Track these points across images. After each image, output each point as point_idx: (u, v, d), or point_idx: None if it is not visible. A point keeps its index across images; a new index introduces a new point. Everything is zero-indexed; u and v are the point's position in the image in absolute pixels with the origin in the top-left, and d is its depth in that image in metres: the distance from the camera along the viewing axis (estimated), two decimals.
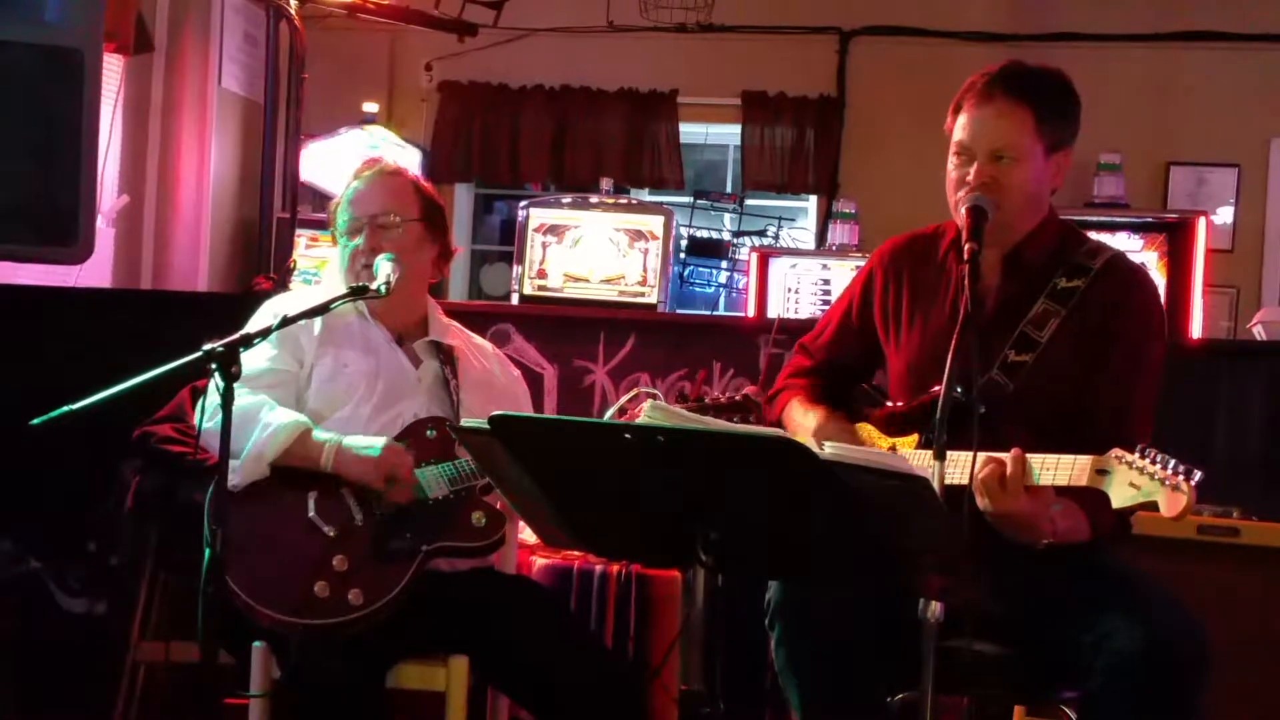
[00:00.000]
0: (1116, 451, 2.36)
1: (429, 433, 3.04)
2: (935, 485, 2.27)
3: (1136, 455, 2.33)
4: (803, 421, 2.89)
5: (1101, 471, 2.38)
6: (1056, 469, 2.44)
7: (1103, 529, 2.55)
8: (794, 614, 2.66)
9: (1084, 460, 2.40)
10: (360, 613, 2.80)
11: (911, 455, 2.69)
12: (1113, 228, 5.35)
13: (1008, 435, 2.53)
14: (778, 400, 3.02)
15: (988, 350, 2.67)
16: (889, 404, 2.86)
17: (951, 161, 2.77)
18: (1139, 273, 2.86)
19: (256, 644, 2.87)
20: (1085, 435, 2.51)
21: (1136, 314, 2.73)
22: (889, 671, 2.66)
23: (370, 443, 2.93)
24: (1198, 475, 2.26)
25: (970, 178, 2.71)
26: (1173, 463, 2.29)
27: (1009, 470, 2.44)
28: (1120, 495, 2.35)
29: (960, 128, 2.76)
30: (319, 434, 2.94)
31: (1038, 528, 2.48)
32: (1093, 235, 2.95)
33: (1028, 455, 2.45)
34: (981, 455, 2.45)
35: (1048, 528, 2.49)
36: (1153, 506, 2.30)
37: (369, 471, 2.90)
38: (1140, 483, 2.31)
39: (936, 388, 2.46)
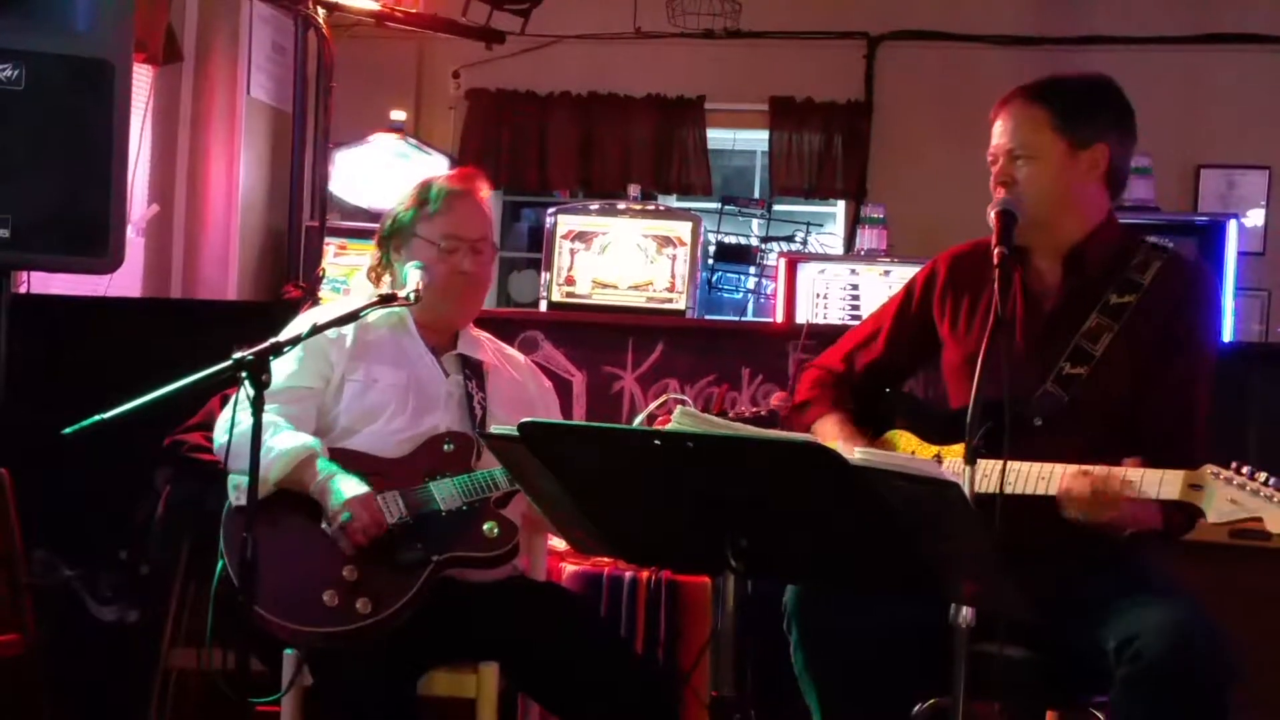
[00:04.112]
0: (1211, 467, 2.38)
1: (446, 446, 3.06)
2: (966, 490, 2.27)
3: (1233, 471, 2.34)
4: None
5: (1195, 486, 2.39)
6: (1142, 482, 2.45)
7: (1173, 522, 2.56)
8: (811, 617, 2.68)
9: (1174, 475, 2.41)
10: (367, 621, 2.81)
11: (952, 464, 2.68)
12: (1143, 231, 5.30)
13: (1065, 445, 2.56)
14: (809, 411, 3.00)
15: (1043, 360, 2.72)
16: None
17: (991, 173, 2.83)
18: (1190, 278, 2.82)
19: (288, 651, 2.89)
20: (1144, 443, 2.55)
21: (1191, 321, 2.75)
22: (910, 675, 2.66)
23: (344, 489, 2.90)
24: None
25: (993, 181, 2.78)
26: (1274, 479, 2.30)
27: (1103, 486, 2.44)
28: (1218, 510, 2.36)
29: (991, 139, 2.83)
30: (320, 464, 2.95)
31: (1125, 524, 2.51)
32: None
33: (1119, 469, 2.46)
34: (1072, 468, 2.46)
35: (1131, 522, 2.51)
36: (1254, 522, 2.32)
37: (331, 512, 2.90)
38: (1241, 499, 2.33)
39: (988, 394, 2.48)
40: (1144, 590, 2.57)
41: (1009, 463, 2.47)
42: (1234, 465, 2.35)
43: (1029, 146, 2.74)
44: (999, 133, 2.80)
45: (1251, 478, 2.33)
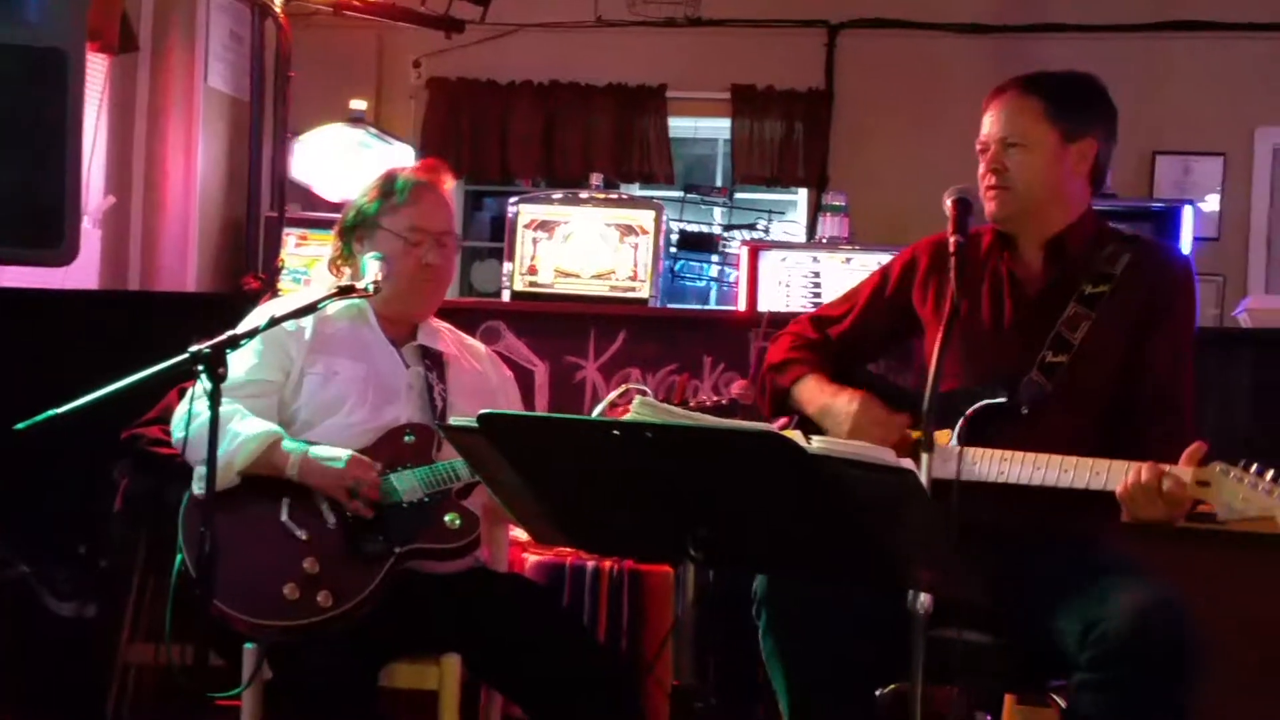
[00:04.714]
0: (1220, 465, 2.40)
1: (407, 438, 3.05)
2: (923, 478, 2.28)
3: (1241, 469, 2.37)
4: (834, 402, 2.86)
5: (1203, 483, 2.41)
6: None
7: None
8: (781, 602, 2.68)
9: (1183, 472, 2.42)
10: (329, 614, 2.80)
11: (944, 451, 2.69)
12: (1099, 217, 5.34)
13: (1051, 432, 2.61)
14: (789, 370, 2.99)
15: (1028, 347, 2.75)
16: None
17: (980, 162, 2.85)
18: (1164, 261, 2.86)
19: (248, 645, 2.88)
20: (1132, 430, 2.61)
21: (1169, 302, 2.78)
22: (877, 661, 2.68)
23: (335, 454, 2.93)
24: None
25: (984, 169, 2.81)
26: None
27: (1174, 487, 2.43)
28: (1228, 507, 2.38)
29: (981, 128, 2.86)
30: (287, 444, 2.94)
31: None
32: None
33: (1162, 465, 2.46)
34: (1145, 465, 2.45)
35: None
36: (1265, 522, 2.34)
37: (331, 483, 2.90)
38: (1252, 497, 2.35)
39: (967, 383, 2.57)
40: (1103, 574, 2.60)
41: (1003, 450, 2.57)
42: (1241, 463, 2.38)
43: (1023, 135, 2.78)
44: (991, 122, 2.82)
45: (1260, 475, 2.35)
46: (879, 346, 3.10)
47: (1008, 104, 2.81)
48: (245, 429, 2.92)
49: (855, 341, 3.04)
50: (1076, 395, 2.72)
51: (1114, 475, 2.49)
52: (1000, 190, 2.79)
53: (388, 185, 3.19)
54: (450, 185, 3.26)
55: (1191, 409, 2.70)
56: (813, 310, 3.20)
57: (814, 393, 2.92)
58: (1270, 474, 2.34)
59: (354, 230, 3.19)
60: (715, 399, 3.21)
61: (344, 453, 2.94)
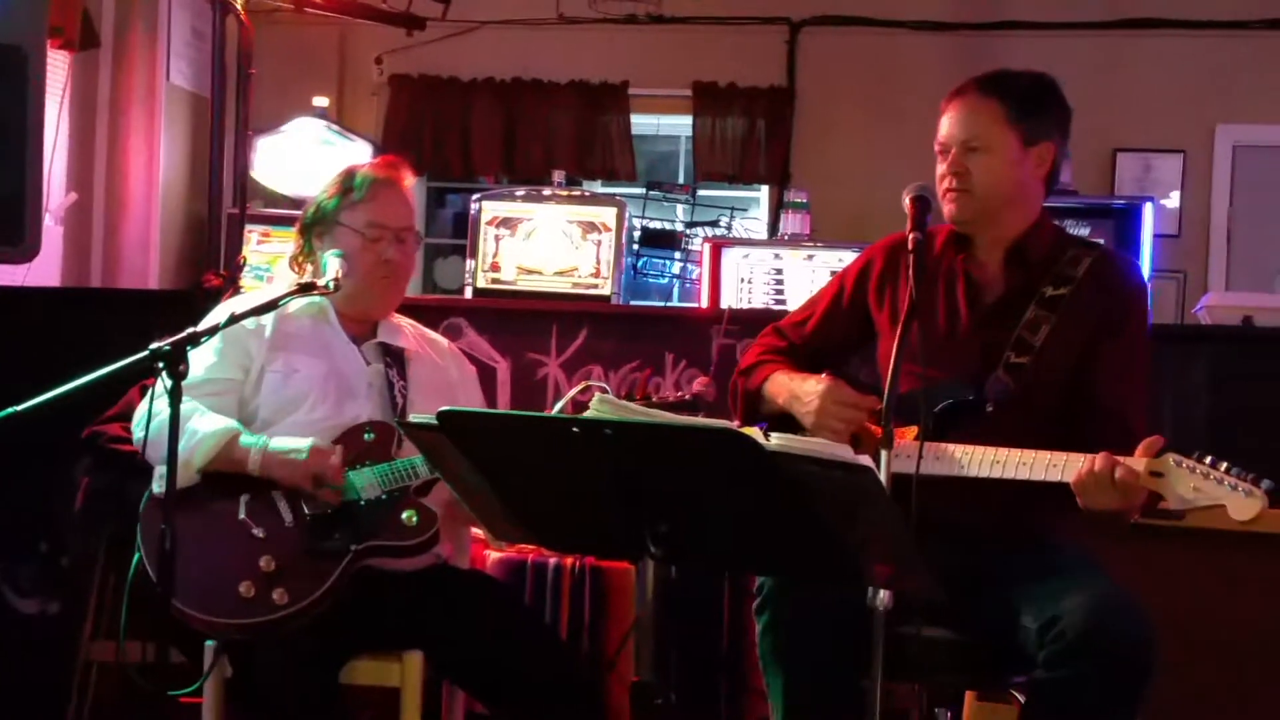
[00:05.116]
0: (1174, 455, 2.42)
1: (366, 435, 3.04)
2: (882, 474, 2.30)
3: (1194, 460, 2.39)
4: (802, 386, 2.85)
5: (1156, 474, 2.42)
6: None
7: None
8: (785, 602, 2.67)
9: (1136, 462, 2.44)
10: (284, 612, 2.79)
11: (908, 446, 2.71)
12: (1060, 214, 5.38)
13: (1015, 430, 2.62)
14: (757, 371, 2.99)
15: (987, 349, 2.77)
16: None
17: (938, 162, 2.85)
18: (1122, 272, 2.89)
19: (209, 642, 2.87)
20: (1090, 429, 2.61)
21: (1126, 307, 2.81)
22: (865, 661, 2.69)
23: (296, 445, 2.93)
24: (1267, 483, 2.32)
25: (944, 171, 2.81)
26: (1235, 469, 2.35)
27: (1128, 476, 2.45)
28: (1180, 497, 2.40)
29: (940, 129, 2.86)
30: (245, 439, 2.93)
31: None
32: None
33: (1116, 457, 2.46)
34: (1100, 455, 2.47)
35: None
36: (1215, 511, 2.35)
37: (295, 474, 2.90)
38: (1204, 487, 2.37)
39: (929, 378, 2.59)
40: (1062, 570, 2.62)
41: (964, 446, 2.58)
42: (1196, 454, 2.40)
43: (983, 139, 2.78)
44: (951, 123, 2.82)
45: (1213, 466, 2.37)
46: (840, 354, 3.09)
47: (967, 106, 2.82)
48: (203, 426, 2.92)
49: (818, 348, 3.05)
50: (1038, 393, 2.74)
51: (1070, 467, 2.51)
52: (960, 193, 2.80)
53: (347, 181, 3.19)
54: (410, 181, 3.26)
55: (1142, 422, 2.70)
56: (777, 320, 3.19)
57: (782, 383, 2.91)
58: (1223, 465, 2.37)
59: (314, 227, 3.19)
60: (678, 394, 3.22)
61: (304, 442, 2.93)
